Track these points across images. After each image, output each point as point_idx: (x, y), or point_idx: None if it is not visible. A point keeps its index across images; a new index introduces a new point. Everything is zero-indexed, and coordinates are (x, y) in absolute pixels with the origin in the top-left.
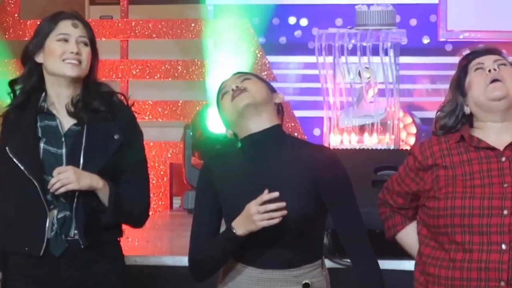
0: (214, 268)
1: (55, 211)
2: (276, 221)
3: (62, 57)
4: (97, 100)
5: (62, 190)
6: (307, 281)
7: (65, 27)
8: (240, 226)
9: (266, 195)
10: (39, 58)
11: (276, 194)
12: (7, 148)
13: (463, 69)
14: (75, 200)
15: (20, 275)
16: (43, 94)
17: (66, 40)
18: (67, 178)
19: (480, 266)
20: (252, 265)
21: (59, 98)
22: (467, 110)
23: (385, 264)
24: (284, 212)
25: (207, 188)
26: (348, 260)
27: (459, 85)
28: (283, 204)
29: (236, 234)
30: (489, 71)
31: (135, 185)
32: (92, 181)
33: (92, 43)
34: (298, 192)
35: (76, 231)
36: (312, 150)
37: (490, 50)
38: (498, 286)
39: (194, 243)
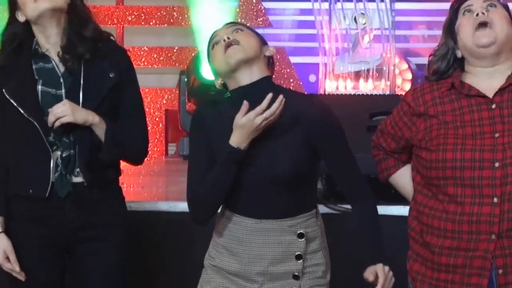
0: (215, 205)
1: (59, 152)
2: (277, 112)
3: None
4: (83, 47)
5: (57, 123)
6: (301, 231)
7: None
8: (241, 141)
9: (247, 103)
10: (21, 18)
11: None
12: (4, 90)
13: (454, 12)
14: (78, 137)
15: (24, 219)
16: (35, 39)
17: None
18: (62, 111)
19: (472, 219)
20: (247, 215)
21: (50, 42)
22: (458, 53)
23: (380, 210)
24: (281, 97)
25: (200, 134)
26: (343, 206)
27: (450, 29)
28: (281, 97)
29: (240, 149)
30: (477, 15)
31: (133, 123)
32: (88, 115)
33: None
34: (289, 143)
35: (78, 169)
36: (303, 100)
37: None
38: (489, 239)
39: (192, 186)
